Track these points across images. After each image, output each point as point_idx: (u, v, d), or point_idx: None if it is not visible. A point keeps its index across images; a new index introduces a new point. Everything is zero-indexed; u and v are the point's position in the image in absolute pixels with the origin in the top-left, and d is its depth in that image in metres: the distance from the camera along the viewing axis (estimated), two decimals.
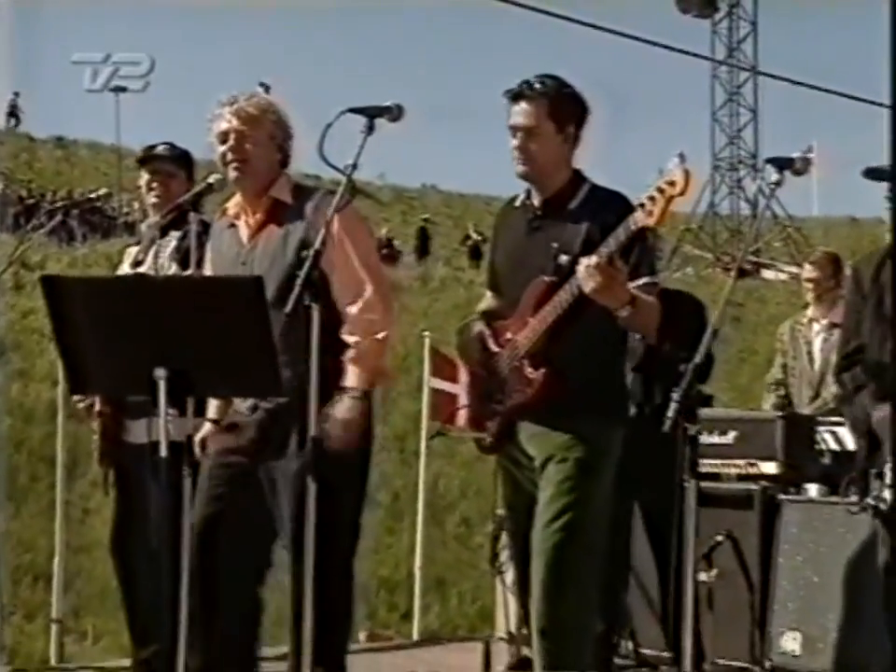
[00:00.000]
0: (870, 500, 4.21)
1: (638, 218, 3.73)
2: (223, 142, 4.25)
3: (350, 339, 4.09)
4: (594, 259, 3.71)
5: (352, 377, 4.06)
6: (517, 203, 4.25)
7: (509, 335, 4.09)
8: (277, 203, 4.27)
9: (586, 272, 3.72)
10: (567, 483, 3.96)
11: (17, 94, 36.19)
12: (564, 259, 3.95)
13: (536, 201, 4.14)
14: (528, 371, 4.00)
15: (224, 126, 4.25)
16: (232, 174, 4.27)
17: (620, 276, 3.78)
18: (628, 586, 5.49)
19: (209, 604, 4.22)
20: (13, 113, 35.66)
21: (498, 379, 4.11)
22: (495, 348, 4.14)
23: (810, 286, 6.92)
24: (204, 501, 4.26)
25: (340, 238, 4.14)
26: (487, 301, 4.38)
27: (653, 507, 5.54)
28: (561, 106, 4.05)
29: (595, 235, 3.85)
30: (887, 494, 4.13)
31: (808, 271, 7.11)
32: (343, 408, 4.01)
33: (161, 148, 5.23)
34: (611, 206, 3.94)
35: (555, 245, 4.00)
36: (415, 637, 6.97)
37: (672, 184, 3.66)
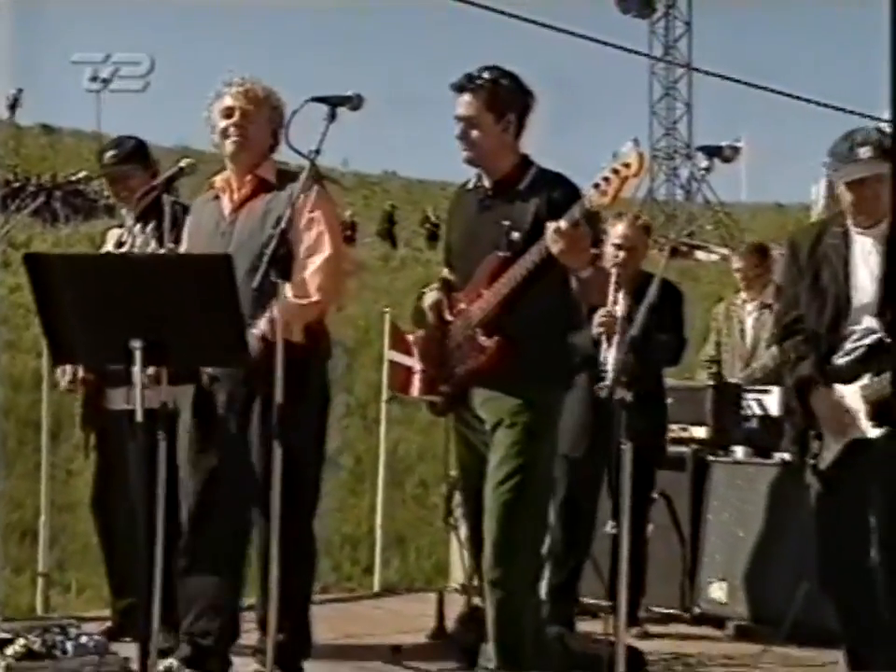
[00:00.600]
0: (810, 459, 4.23)
1: (594, 197, 3.73)
2: (228, 116, 4.27)
3: (289, 295, 4.01)
4: (562, 223, 3.71)
5: (275, 310, 3.91)
6: (469, 186, 4.24)
7: (462, 306, 4.08)
8: (262, 182, 4.28)
9: (554, 234, 3.72)
10: (516, 447, 3.96)
11: (20, 90, 35.86)
12: (515, 235, 3.95)
13: (486, 183, 4.14)
14: (482, 339, 3.99)
15: (230, 102, 4.28)
16: (231, 147, 4.29)
17: (584, 240, 3.79)
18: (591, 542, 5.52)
19: (202, 561, 4.25)
20: (13, 106, 35.20)
21: (452, 346, 4.11)
22: (449, 317, 4.14)
23: (739, 275, 6.99)
24: (198, 469, 4.29)
25: (311, 213, 4.17)
26: (444, 275, 4.37)
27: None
28: (499, 97, 4.03)
29: (543, 213, 3.84)
30: (825, 454, 4.15)
31: (736, 262, 7.18)
32: (261, 323, 4.03)
33: (108, 157, 5.15)
34: (557, 186, 3.93)
35: (507, 222, 3.99)
36: (376, 588, 6.98)
37: (627, 165, 3.68)
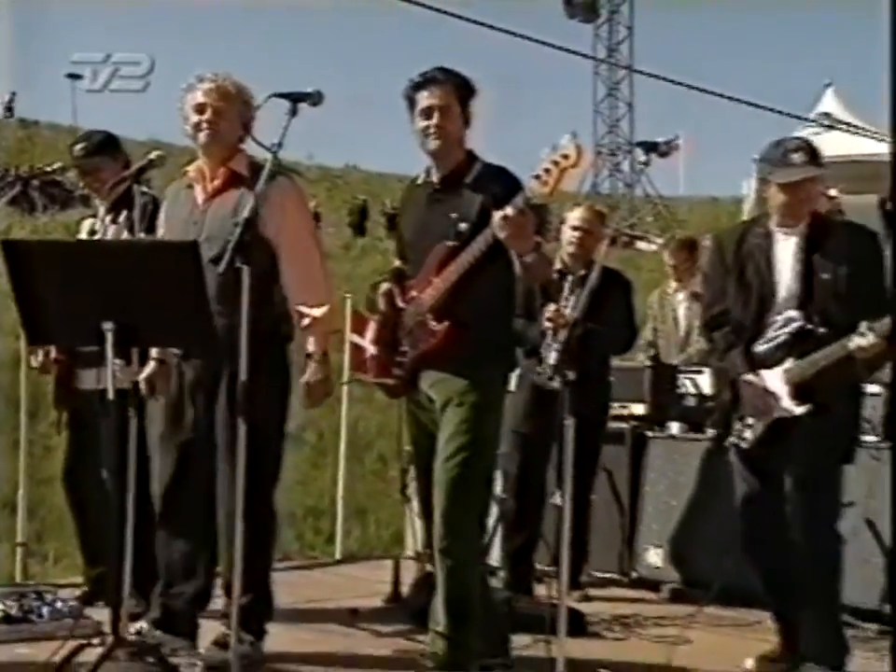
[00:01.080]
0: (732, 439, 4.30)
1: (535, 187, 3.73)
2: (200, 112, 4.21)
3: (306, 310, 4.12)
4: (509, 210, 3.71)
5: (313, 344, 4.14)
6: (419, 181, 4.23)
7: (414, 293, 4.07)
8: (234, 175, 4.23)
9: (502, 221, 3.72)
10: (464, 424, 3.96)
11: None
12: (462, 226, 3.94)
13: (435, 178, 4.13)
14: (432, 324, 3.98)
15: (202, 99, 4.21)
16: (203, 140, 4.24)
17: (529, 227, 3.79)
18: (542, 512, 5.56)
19: (175, 530, 4.24)
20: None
21: (404, 332, 4.11)
22: (401, 304, 4.13)
23: (670, 269, 7.03)
24: (172, 446, 4.25)
25: (292, 213, 4.18)
26: (396, 265, 4.37)
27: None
28: (462, 91, 4.05)
29: (489, 205, 3.83)
30: (747, 434, 4.23)
31: (667, 257, 7.22)
32: (310, 373, 4.12)
33: (78, 150, 5.08)
34: (501, 180, 3.92)
35: (454, 214, 3.98)
36: (337, 556, 7.00)
37: (566, 157, 3.68)
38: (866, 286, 4.08)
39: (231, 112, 4.22)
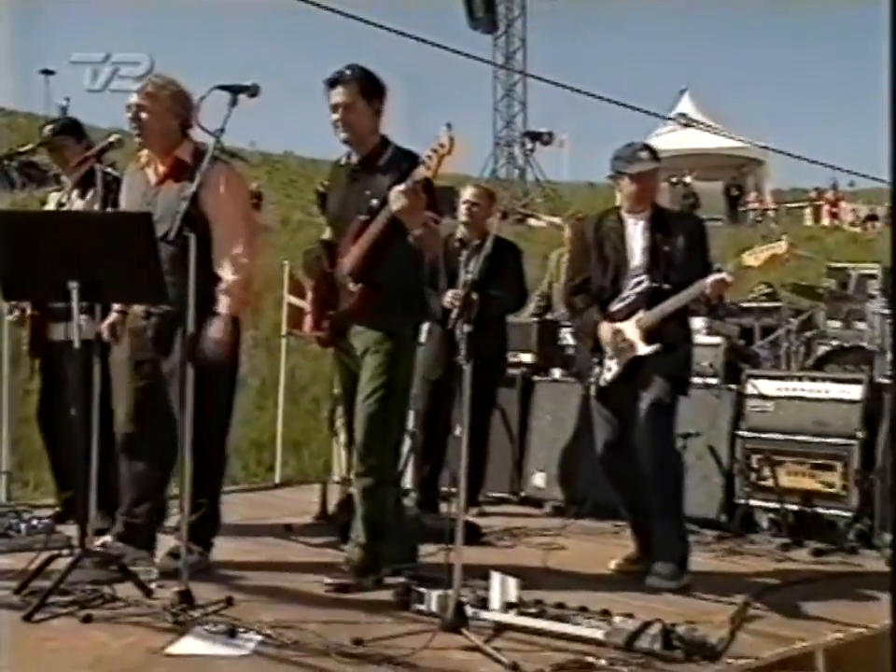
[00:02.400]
0: (591, 380, 4.39)
1: (422, 171, 3.75)
2: (129, 110, 4.12)
3: (225, 275, 4.02)
4: (402, 186, 3.74)
5: (222, 305, 4.00)
6: (342, 163, 4.20)
7: (338, 259, 4.07)
8: (179, 162, 4.13)
9: (396, 195, 3.76)
10: (380, 368, 3.97)
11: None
12: (374, 202, 3.93)
13: (354, 160, 4.11)
14: (351, 286, 3.98)
15: (131, 100, 4.13)
16: (135, 135, 4.15)
17: (420, 203, 3.80)
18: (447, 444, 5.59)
19: (137, 458, 4.18)
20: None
21: (332, 292, 4.09)
22: (329, 269, 4.11)
23: (567, 240, 7.02)
24: (132, 392, 4.19)
25: (224, 193, 4.05)
26: (326, 234, 4.34)
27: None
28: (368, 87, 4.01)
29: (400, 183, 3.82)
30: (606, 375, 4.33)
31: (564, 227, 7.29)
32: (214, 328, 3.95)
33: (47, 130, 5.00)
34: (408, 162, 3.88)
35: (368, 192, 3.98)
36: (276, 481, 6.98)
37: (442, 146, 3.70)
38: (694, 255, 4.30)
39: (156, 107, 4.10)
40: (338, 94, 3.98)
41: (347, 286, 4.01)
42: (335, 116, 4.00)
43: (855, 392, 5.17)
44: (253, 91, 3.69)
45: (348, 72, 3.99)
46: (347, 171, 4.14)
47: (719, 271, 4.19)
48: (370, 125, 4.05)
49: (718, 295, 4.27)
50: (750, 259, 4.31)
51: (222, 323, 3.98)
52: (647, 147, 4.43)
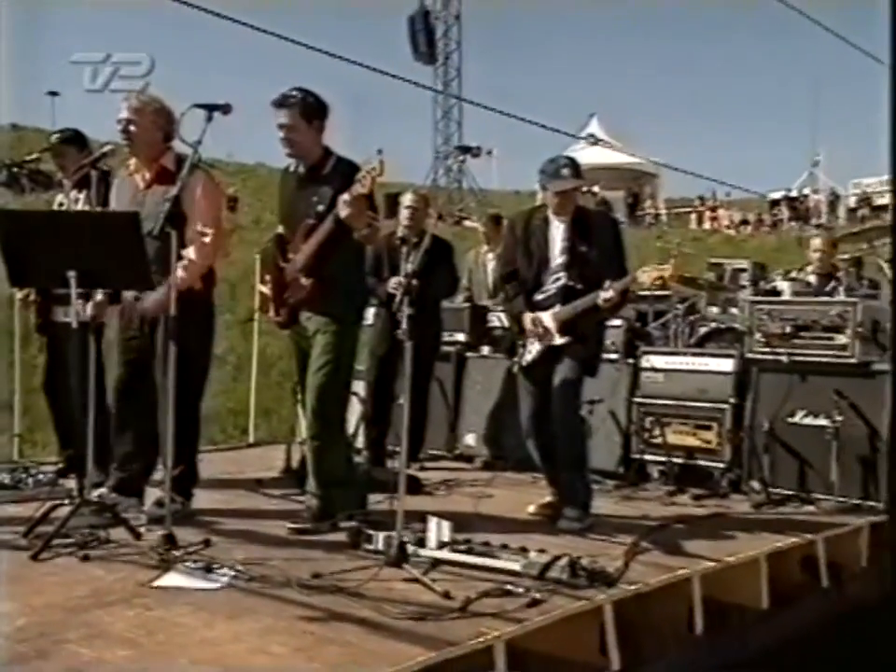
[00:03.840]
0: (517, 359, 4.39)
1: (358, 188, 3.74)
2: (119, 123, 4.05)
3: (188, 254, 3.96)
4: (347, 196, 3.73)
5: (178, 275, 3.80)
6: (290, 170, 4.15)
7: (291, 256, 4.04)
8: (164, 169, 4.07)
9: (343, 203, 3.75)
10: (327, 346, 3.96)
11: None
12: (320, 207, 3.92)
13: (301, 169, 4.07)
14: (302, 280, 3.97)
15: (119, 115, 4.05)
16: (125, 145, 4.10)
17: (364, 208, 3.80)
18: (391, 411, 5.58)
19: (128, 421, 4.14)
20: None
21: (286, 284, 4.05)
22: (283, 264, 4.08)
23: (483, 237, 7.04)
24: (122, 364, 4.14)
25: (200, 196, 4.00)
26: (278, 232, 4.26)
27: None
28: (309, 109, 3.95)
29: (341, 191, 3.80)
30: (528, 356, 4.32)
31: (481, 227, 7.27)
32: (161, 291, 3.82)
33: (53, 138, 4.92)
34: (350, 172, 3.85)
35: (315, 198, 3.95)
36: (250, 441, 6.93)
37: (374, 168, 3.72)
38: (610, 257, 4.25)
39: (142, 121, 4.04)
40: (282, 116, 3.94)
41: (299, 280, 3.99)
42: (280, 134, 3.97)
43: (728, 365, 5.25)
44: (226, 109, 3.63)
45: (291, 96, 3.94)
46: (295, 178, 4.10)
47: (622, 272, 4.18)
48: (311, 141, 4.00)
49: (610, 308, 4.19)
50: (643, 276, 4.25)
51: (167, 289, 3.75)
52: (569, 164, 4.25)
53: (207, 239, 4.01)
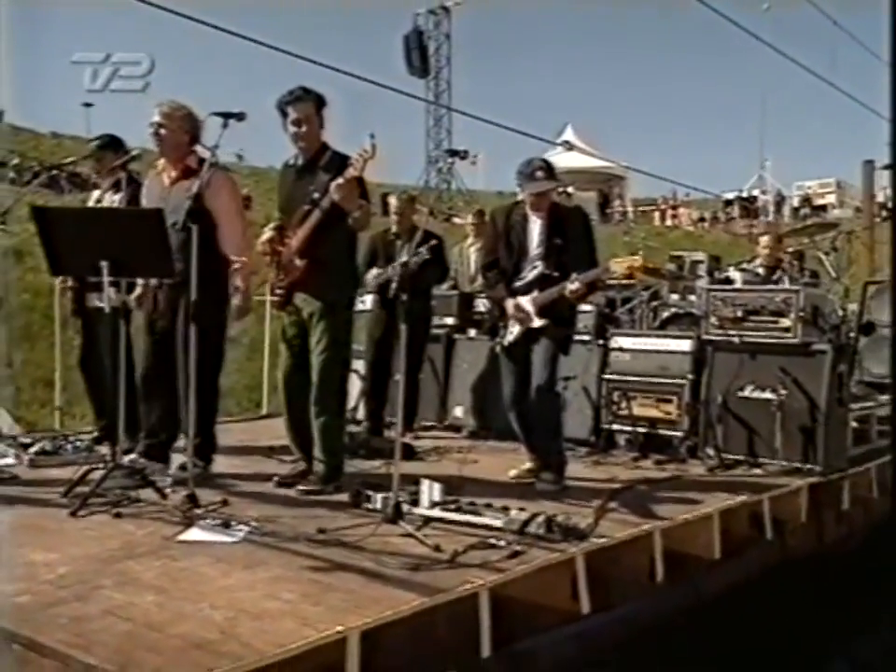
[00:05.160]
0: (499, 340, 4.37)
1: (351, 171, 3.70)
2: (151, 126, 4.04)
3: (235, 258, 3.99)
4: (340, 180, 3.70)
5: (239, 281, 3.98)
6: (290, 163, 4.09)
7: (287, 240, 3.98)
8: (187, 168, 4.05)
9: (336, 187, 3.71)
10: (324, 333, 3.91)
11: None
12: (316, 195, 3.87)
13: (300, 161, 4.02)
14: (297, 262, 3.92)
15: (153, 119, 4.04)
16: (156, 146, 4.10)
17: (355, 192, 3.76)
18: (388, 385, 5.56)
19: (154, 394, 4.13)
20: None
21: (283, 266, 4.01)
22: (280, 248, 4.02)
23: (470, 230, 6.98)
24: (149, 345, 4.12)
25: (226, 195, 4.00)
26: (277, 220, 4.19)
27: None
28: (318, 104, 3.93)
29: (335, 179, 3.77)
30: (509, 337, 4.30)
31: (468, 221, 7.23)
32: (237, 300, 3.97)
33: (92, 144, 4.86)
34: (343, 163, 3.81)
35: (311, 187, 3.90)
36: (263, 413, 6.91)
37: (366, 151, 3.67)
38: (581, 248, 4.22)
39: (171, 126, 4.03)
40: (297, 111, 3.88)
41: (294, 262, 3.94)
42: (295, 129, 3.90)
43: (687, 345, 5.25)
44: (240, 117, 3.60)
45: (304, 92, 3.90)
46: (294, 170, 4.05)
47: (593, 262, 4.17)
48: (318, 134, 3.97)
49: (577, 297, 4.17)
50: (616, 266, 4.25)
51: (241, 295, 3.99)
52: (543, 167, 4.18)
53: (240, 239, 4.03)
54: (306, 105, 3.89)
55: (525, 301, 4.23)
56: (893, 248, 3.62)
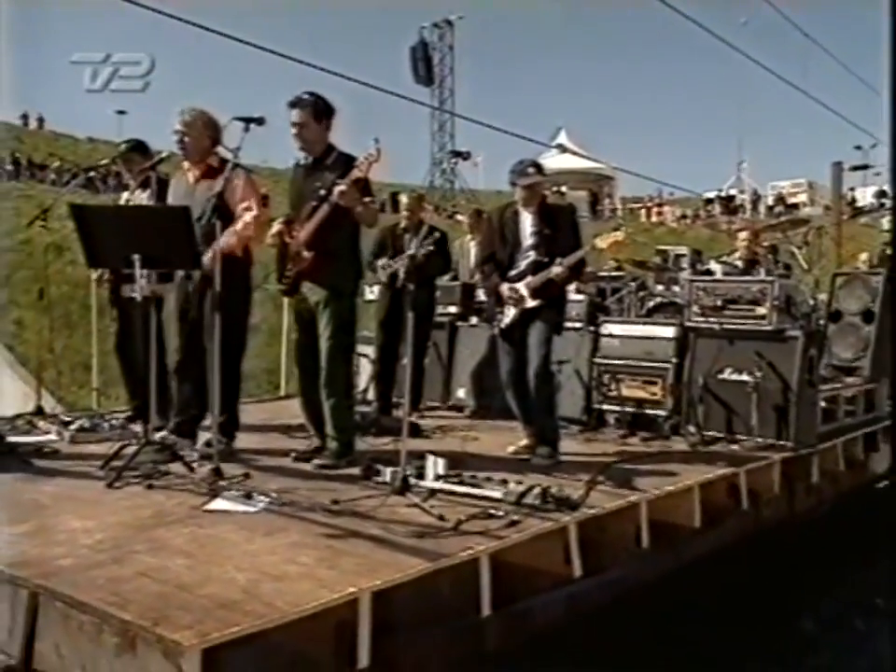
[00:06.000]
0: (496, 324, 4.36)
1: (356, 173, 3.70)
2: (176, 134, 4.03)
3: (242, 216, 3.95)
4: (342, 186, 3.70)
5: (235, 228, 3.91)
6: (300, 162, 4.06)
7: (295, 233, 3.95)
8: (209, 168, 4.04)
9: (340, 190, 3.71)
10: (331, 319, 3.89)
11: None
12: (322, 192, 3.85)
13: (308, 161, 4.00)
14: (304, 253, 3.89)
15: (176, 126, 4.02)
16: (180, 151, 4.08)
17: (356, 192, 3.75)
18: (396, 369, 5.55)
19: (184, 378, 4.11)
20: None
21: (291, 256, 3.97)
22: (289, 240, 3.99)
23: (467, 227, 6.94)
24: (179, 332, 4.10)
25: (244, 189, 3.97)
26: (287, 215, 4.15)
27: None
28: (319, 110, 3.89)
29: (340, 177, 3.77)
30: (506, 320, 4.29)
31: (466, 219, 7.20)
32: (224, 237, 3.80)
33: (123, 147, 4.85)
34: (348, 163, 3.81)
35: (318, 184, 3.88)
36: (281, 395, 6.90)
37: (371, 155, 3.67)
38: (568, 237, 4.22)
39: (193, 132, 4.02)
40: (294, 115, 3.88)
41: (301, 253, 3.91)
42: (294, 130, 3.91)
43: (671, 332, 5.22)
44: (260, 122, 3.57)
45: (304, 98, 3.88)
46: (303, 169, 4.03)
47: (577, 247, 4.16)
48: (319, 137, 3.93)
49: (563, 280, 4.17)
50: (600, 242, 4.29)
51: (227, 237, 3.82)
52: (534, 164, 4.29)
53: (252, 213, 3.98)
54: (302, 111, 3.88)
55: (520, 285, 4.24)
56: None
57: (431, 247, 4.62)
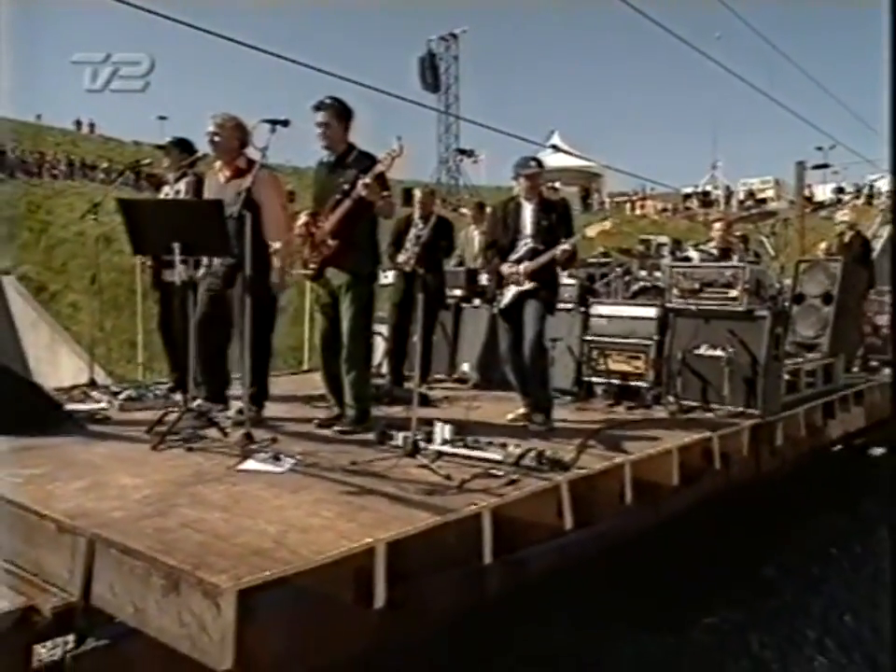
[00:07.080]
0: (496, 305, 4.34)
1: (379, 167, 3.66)
2: (208, 135, 3.98)
3: (272, 242, 3.90)
4: (367, 179, 3.66)
5: (276, 261, 3.91)
6: (324, 160, 4.01)
7: (321, 223, 3.92)
8: (238, 168, 4.00)
9: (363, 185, 3.67)
10: (353, 301, 3.86)
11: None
12: (345, 187, 3.81)
13: (332, 159, 3.95)
14: (329, 241, 3.87)
15: (209, 129, 3.98)
16: (211, 151, 4.05)
17: (377, 187, 3.71)
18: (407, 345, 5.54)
19: (208, 353, 4.00)
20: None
21: (316, 245, 3.94)
22: (314, 230, 3.95)
23: (470, 218, 6.88)
24: (203, 306, 4.01)
25: (269, 189, 3.92)
26: (312, 208, 4.10)
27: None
28: (341, 112, 3.85)
29: (362, 173, 3.73)
30: (505, 300, 4.26)
31: (468, 212, 7.14)
32: (273, 275, 3.90)
33: (166, 143, 4.79)
34: (368, 160, 3.78)
35: (341, 179, 3.85)
36: (305, 369, 6.89)
37: (394, 150, 3.63)
38: (563, 227, 4.20)
39: (224, 133, 3.97)
40: (320, 116, 3.84)
41: (326, 241, 3.88)
42: (318, 130, 3.87)
43: (653, 312, 5.20)
44: (285, 124, 3.53)
45: (327, 101, 3.84)
46: (326, 166, 3.98)
47: (570, 236, 4.14)
48: (341, 137, 3.89)
49: (565, 259, 4.14)
50: (590, 231, 4.26)
51: (276, 272, 3.92)
52: (535, 159, 4.32)
53: (281, 226, 3.94)
54: (326, 112, 3.84)
55: (520, 268, 4.22)
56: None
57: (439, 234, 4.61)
